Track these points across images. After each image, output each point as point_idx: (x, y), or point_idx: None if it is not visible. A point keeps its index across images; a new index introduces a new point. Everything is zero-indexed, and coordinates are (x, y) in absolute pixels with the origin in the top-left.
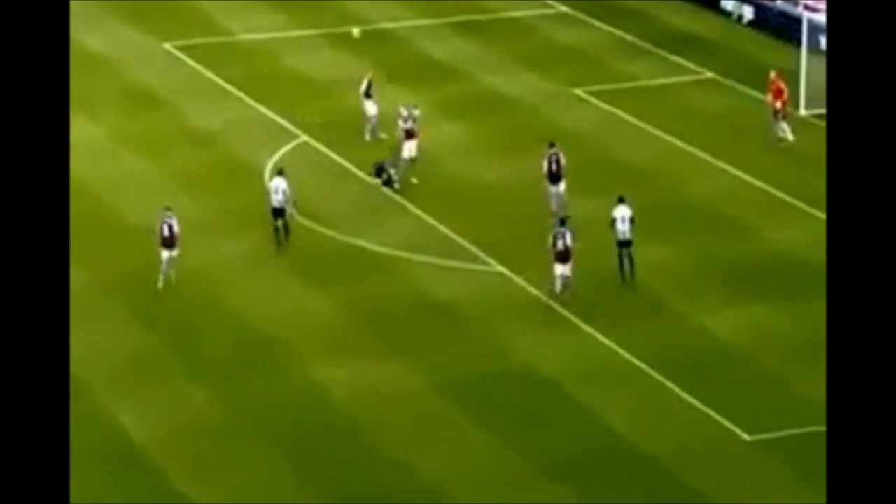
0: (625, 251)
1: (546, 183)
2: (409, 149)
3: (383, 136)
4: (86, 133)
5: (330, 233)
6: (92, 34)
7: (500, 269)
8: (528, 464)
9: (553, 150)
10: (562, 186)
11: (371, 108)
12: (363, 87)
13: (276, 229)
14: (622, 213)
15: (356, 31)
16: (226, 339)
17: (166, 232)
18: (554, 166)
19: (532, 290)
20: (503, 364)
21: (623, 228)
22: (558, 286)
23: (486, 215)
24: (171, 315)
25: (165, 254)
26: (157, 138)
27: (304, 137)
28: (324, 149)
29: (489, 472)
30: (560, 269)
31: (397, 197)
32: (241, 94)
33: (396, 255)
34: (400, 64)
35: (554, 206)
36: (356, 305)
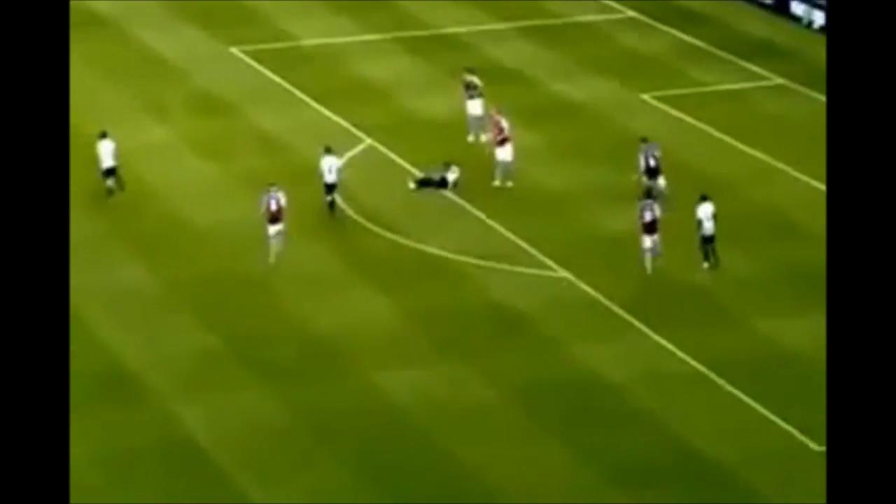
0: (709, 247)
1: (643, 178)
2: (505, 153)
3: (483, 138)
4: (154, 136)
5: (395, 237)
6: (161, 38)
7: (565, 274)
8: (594, 470)
9: (647, 145)
10: (661, 181)
11: (474, 108)
12: (466, 87)
13: (332, 203)
14: (706, 210)
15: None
16: (290, 343)
17: (273, 206)
18: (651, 161)
19: (598, 295)
20: (568, 370)
21: (708, 225)
22: (648, 264)
23: (552, 220)
24: (236, 319)
25: (272, 229)
26: (224, 142)
27: (370, 141)
28: (389, 153)
29: (553, 478)
30: (647, 241)
31: (462, 202)
32: (307, 98)
33: (462, 260)
34: (459, 68)
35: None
36: (421, 310)
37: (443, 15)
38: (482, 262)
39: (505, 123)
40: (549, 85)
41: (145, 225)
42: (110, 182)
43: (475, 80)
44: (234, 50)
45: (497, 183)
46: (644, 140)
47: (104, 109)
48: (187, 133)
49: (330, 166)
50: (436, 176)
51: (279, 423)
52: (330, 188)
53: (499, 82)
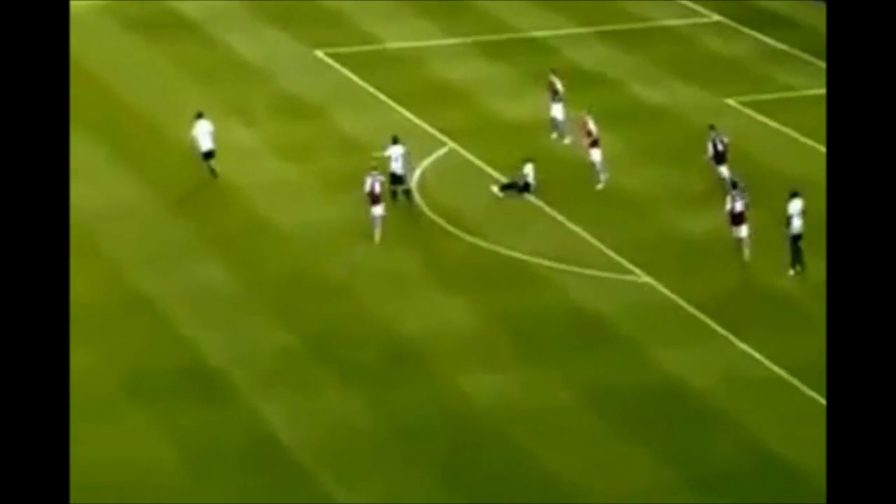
0: (797, 249)
1: (712, 164)
2: (596, 155)
3: (566, 140)
4: (238, 138)
5: (476, 241)
6: (246, 41)
7: (647, 279)
8: (673, 474)
9: (715, 133)
10: (725, 169)
11: (556, 111)
12: (552, 89)
13: (395, 193)
14: (796, 206)
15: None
16: (371, 344)
17: (377, 189)
18: (719, 146)
19: (679, 299)
20: (648, 374)
21: (797, 223)
22: (746, 251)
23: (633, 223)
24: (318, 319)
25: (376, 210)
26: (307, 144)
27: (452, 144)
28: (471, 156)
29: (633, 481)
30: (736, 232)
31: (543, 204)
32: (390, 101)
33: (543, 264)
34: (542, 72)
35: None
36: (501, 314)
37: (525, 19)
38: (562, 266)
39: (593, 126)
40: (631, 88)
41: (228, 225)
42: (213, 163)
43: (557, 82)
44: (318, 53)
45: (600, 186)
46: (712, 127)
47: (190, 112)
48: (271, 135)
49: (395, 155)
50: (519, 181)
51: (360, 424)
52: (396, 179)
53: (580, 86)
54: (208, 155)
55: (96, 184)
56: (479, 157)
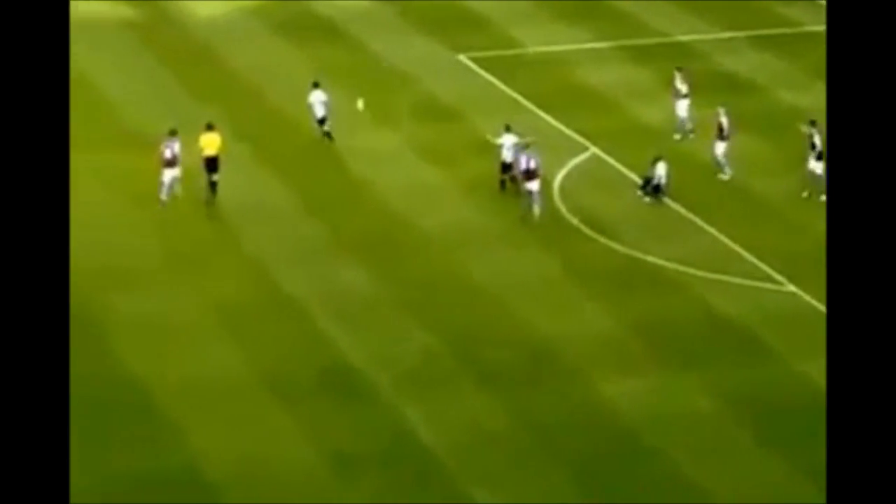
0: None
1: (811, 161)
2: (720, 148)
3: (691, 136)
4: (381, 141)
5: (616, 246)
6: (389, 45)
7: (792, 288)
8: (812, 491)
9: (813, 128)
10: (820, 167)
11: (681, 109)
12: (677, 86)
13: (503, 182)
14: None
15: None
16: (513, 349)
17: (532, 165)
18: (817, 142)
19: (823, 308)
20: (792, 386)
21: None
22: None
23: (778, 232)
24: (458, 321)
25: (531, 185)
26: (449, 148)
27: (594, 149)
28: (612, 161)
29: (775, 493)
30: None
31: (684, 210)
32: (531, 105)
33: (683, 270)
34: (695, 77)
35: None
36: (642, 321)
37: (671, 23)
38: (702, 273)
39: (725, 121)
40: (778, 94)
41: (370, 227)
42: (326, 127)
43: (681, 80)
44: (460, 57)
45: (724, 178)
46: (812, 123)
47: (334, 114)
48: (412, 138)
49: (508, 144)
50: (653, 180)
51: (499, 425)
52: (506, 167)
53: (727, 91)
54: (321, 121)
55: (239, 183)
56: (621, 162)
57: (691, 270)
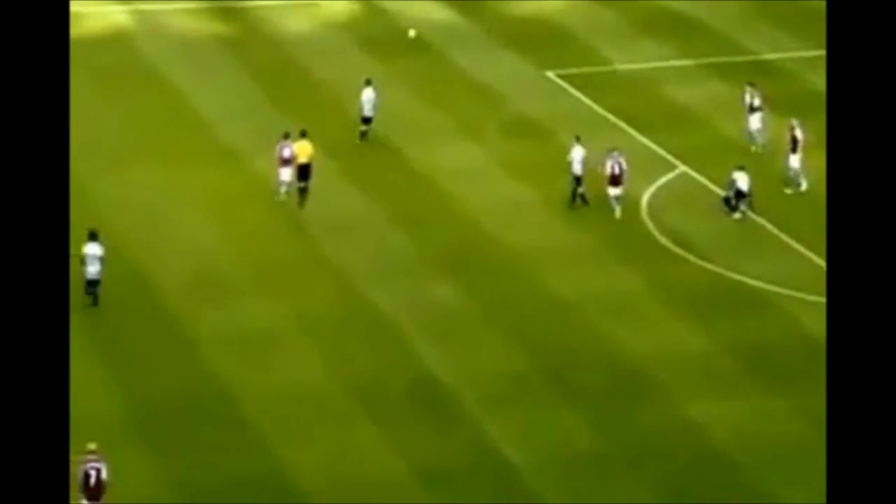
0: None
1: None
2: (795, 161)
3: (752, 149)
4: (468, 158)
5: (707, 265)
6: (477, 62)
7: None
8: None
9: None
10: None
11: (755, 122)
12: (747, 100)
13: (574, 195)
14: None
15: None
16: (600, 367)
17: (617, 170)
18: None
19: None
20: None
21: None
22: None
23: None
24: (547, 339)
25: (616, 191)
26: (536, 164)
27: (683, 168)
28: (703, 179)
29: None
30: None
31: (773, 228)
32: (620, 123)
33: (775, 290)
34: (780, 97)
35: None
36: (733, 340)
37: (760, 40)
38: (794, 293)
39: (799, 133)
40: None
41: (458, 243)
42: (366, 128)
43: (753, 94)
44: (549, 74)
45: (791, 191)
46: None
47: (421, 130)
48: (500, 155)
49: (578, 158)
50: (731, 191)
51: (587, 445)
52: (578, 180)
53: (811, 108)
54: (367, 121)
55: (326, 197)
56: (710, 180)
57: (782, 290)
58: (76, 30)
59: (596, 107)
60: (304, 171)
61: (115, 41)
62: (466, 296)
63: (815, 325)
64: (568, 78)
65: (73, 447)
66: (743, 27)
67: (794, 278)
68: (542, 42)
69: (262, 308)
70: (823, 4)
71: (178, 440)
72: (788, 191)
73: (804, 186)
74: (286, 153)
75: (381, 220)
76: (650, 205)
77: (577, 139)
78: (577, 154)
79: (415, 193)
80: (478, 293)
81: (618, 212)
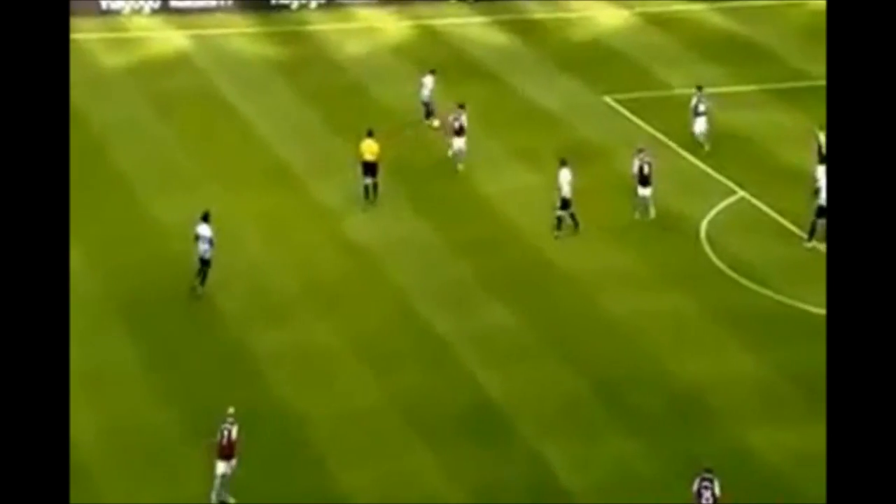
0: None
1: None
2: (821, 173)
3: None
4: (526, 182)
5: (768, 293)
6: (536, 87)
7: None
8: None
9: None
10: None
11: (700, 125)
12: (693, 103)
13: (560, 219)
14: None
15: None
16: (659, 393)
17: (647, 170)
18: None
19: None
20: None
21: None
22: None
23: None
24: (603, 363)
25: (645, 191)
26: (593, 189)
27: (742, 193)
28: (763, 206)
29: None
30: None
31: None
32: (677, 147)
33: None
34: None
35: None
36: (794, 369)
37: (818, 65)
38: None
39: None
40: None
41: (514, 266)
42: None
43: (701, 97)
44: (607, 98)
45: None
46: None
47: (481, 156)
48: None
49: (563, 181)
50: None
51: (642, 470)
52: (565, 204)
53: None
54: (427, 105)
55: (385, 219)
56: (769, 206)
57: None
58: (139, 55)
59: (654, 131)
60: (369, 169)
61: (177, 65)
62: (523, 319)
63: None
64: (625, 102)
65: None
66: (801, 51)
67: None
68: (599, 66)
69: (320, 329)
70: None
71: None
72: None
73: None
74: (457, 125)
75: (440, 242)
76: (709, 231)
77: (563, 162)
78: (565, 177)
79: (473, 217)
80: (534, 316)
81: (652, 212)
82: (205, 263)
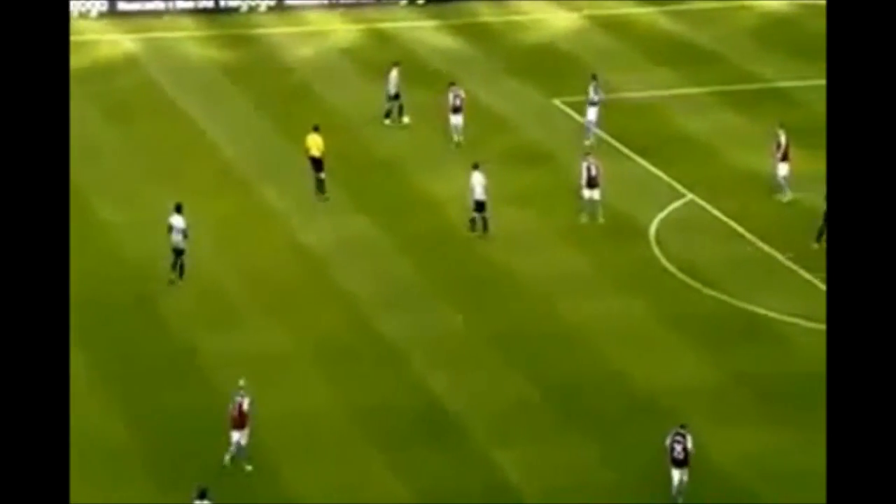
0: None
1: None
2: (783, 170)
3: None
4: (465, 187)
5: (719, 296)
6: (484, 90)
7: None
8: None
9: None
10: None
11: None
12: (591, 93)
13: (473, 220)
14: None
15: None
16: (610, 397)
17: (594, 172)
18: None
19: None
20: None
21: None
22: None
23: None
24: (555, 367)
25: (593, 193)
26: (542, 192)
27: (691, 196)
28: (712, 208)
29: None
30: None
31: (784, 259)
32: (627, 151)
33: (790, 321)
34: (797, 126)
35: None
36: (744, 371)
37: (771, 68)
38: (808, 324)
39: (783, 140)
40: None
41: (465, 270)
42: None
43: (597, 87)
44: (556, 102)
45: (784, 199)
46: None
47: (428, 157)
48: (507, 182)
49: (479, 182)
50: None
51: (596, 476)
52: (479, 206)
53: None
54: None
55: (332, 223)
56: (719, 209)
57: (795, 320)
58: (87, 58)
59: (604, 134)
60: (317, 164)
61: (125, 69)
62: (473, 322)
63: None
64: (575, 105)
65: (75, 474)
66: (752, 54)
67: (811, 311)
68: (548, 70)
69: (269, 333)
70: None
71: (182, 462)
72: (780, 198)
73: (788, 196)
74: (457, 102)
75: (389, 244)
76: (658, 233)
77: (475, 166)
78: (477, 180)
79: (423, 219)
80: (485, 320)
81: (600, 216)
82: (179, 254)
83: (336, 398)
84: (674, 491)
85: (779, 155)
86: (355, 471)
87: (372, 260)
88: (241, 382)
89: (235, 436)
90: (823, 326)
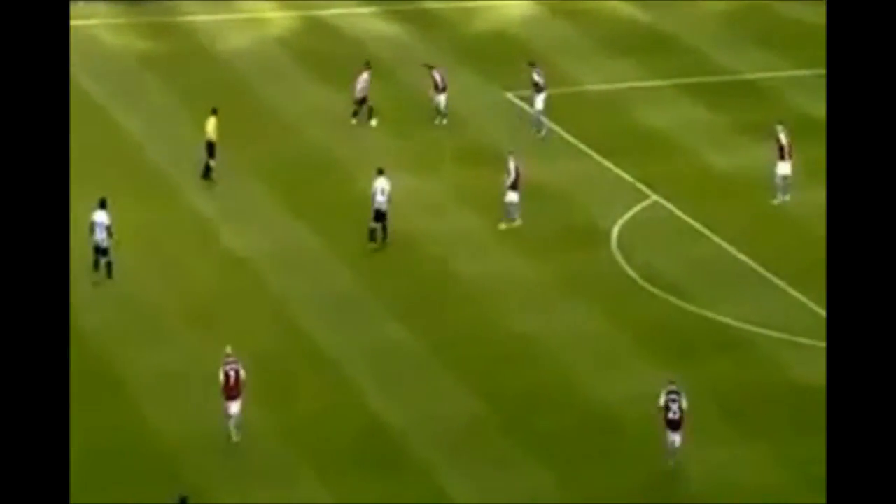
0: None
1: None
2: (783, 168)
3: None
4: (421, 184)
5: (680, 303)
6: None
7: None
8: None
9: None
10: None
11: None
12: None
13: (373, 231)
14: None
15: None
16: (565, 412)
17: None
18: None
19: None
20: None
21: None
22: None
23: None
24: (507, 383)
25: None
26: (490, 192)
27: (655, 197)
28: (676, 210)
29: None
30: None
31: (755, 264)
32: (587, 149)
33: (753, 330)
34: (758, 120)
35: None
36: (709, 385)
37: (741, 62)
38: (776, 334)
39: (784, 138)
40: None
41: (410, 277)
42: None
43: (541, 73)
44: (509, 95)
45: (776, 202)
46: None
47: (370, 154)
48: (455, 182)
49: (380, 188)
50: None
51: (550, 496)
52: (379, 216)
53: (806, 135)
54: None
55: (266, 229)
56: (684, 211)
57: (760, 329)
58: None
59: (560, 130)
60: (210, 148)
61: None
62: (417, 334)
63: (802, 369)
64: (528, 99)
65: None
66: (719, 45)
67: (776, 319)
68: (503, 61)
69: (195, 345)
70: (804, 21)
71: (107, 483)
72: (775, 201)
73: (785, 198)
74: (439, 78)
75: (325, 251)
76: (620, 237)
77: (380, 171)
78: (380, 187)
79: (361, 223)
80: (429, 331)
81: (517, 219)
82: (104, 253)
83: (270, 419)
84: (666, 455)
85: (778, 154)
86: (291, 499)
87: (306, 267)
88: (228, 350)
89: (232, 407)
90: (792, 337)
